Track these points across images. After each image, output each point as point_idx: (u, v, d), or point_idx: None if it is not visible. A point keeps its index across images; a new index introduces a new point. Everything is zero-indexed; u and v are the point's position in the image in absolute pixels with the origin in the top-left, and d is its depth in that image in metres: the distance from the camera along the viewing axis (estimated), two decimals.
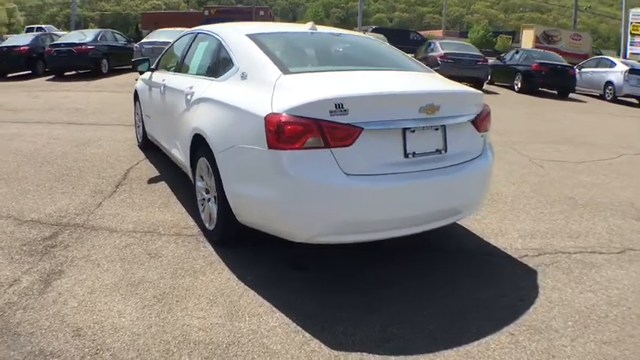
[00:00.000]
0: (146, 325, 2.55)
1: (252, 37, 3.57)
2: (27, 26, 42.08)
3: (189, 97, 3.79)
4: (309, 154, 2.71)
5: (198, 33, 4.50)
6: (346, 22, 74.49)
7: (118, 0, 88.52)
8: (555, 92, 15.91)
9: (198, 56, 4.35)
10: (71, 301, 2.73)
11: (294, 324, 2.60)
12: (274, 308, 2.74)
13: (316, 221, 2.79)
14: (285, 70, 3.10)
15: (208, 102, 3.45)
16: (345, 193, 2.74)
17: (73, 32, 19.17)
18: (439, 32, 47.36)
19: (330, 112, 2.68)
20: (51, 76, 14.84)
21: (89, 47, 15.07)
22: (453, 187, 3.08)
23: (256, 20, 41.86)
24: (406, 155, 2.89)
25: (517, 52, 17.68)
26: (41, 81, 14.05)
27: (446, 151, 3.05)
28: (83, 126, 7.52)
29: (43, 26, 34.26)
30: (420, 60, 6.36)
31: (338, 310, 2.73)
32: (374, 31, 30.40)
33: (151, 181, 4.85)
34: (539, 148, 7.25)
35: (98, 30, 17.69)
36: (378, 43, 4.37)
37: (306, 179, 2.72)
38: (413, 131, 2.90)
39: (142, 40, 16.26)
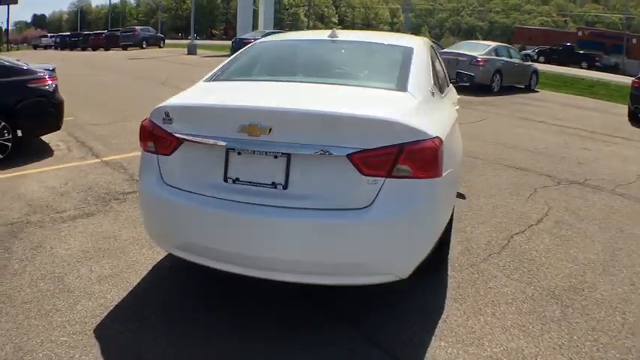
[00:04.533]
0: None
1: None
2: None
3: None
4: (148, 159, 2.70)
5: None
6: None
7: (507, 13, 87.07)
8: None
9: None
10: None
11: None
12: None
13: (155, 230, 2.76)
14: (207, 78, 3.13)
15: None
16: (161, 203, 2.60)
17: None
18: None
19: (163, 119, 2.57)
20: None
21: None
22: (300, 237, 2.30)
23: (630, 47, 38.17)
24: (226, 179, 2.42)
25: None
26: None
27: (285, 188, 2.32)
28: None
29: None
30: None
31: None
32: None
33: None
34: None
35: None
36: (371, 53, 3.46)
37: (141, 183, 2.78)
38: (239, 153, 2.39)
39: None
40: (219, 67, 3.33)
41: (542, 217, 4.29)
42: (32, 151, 5.98)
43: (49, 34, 53.16)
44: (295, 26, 67.95)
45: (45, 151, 6.09)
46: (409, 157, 2.26)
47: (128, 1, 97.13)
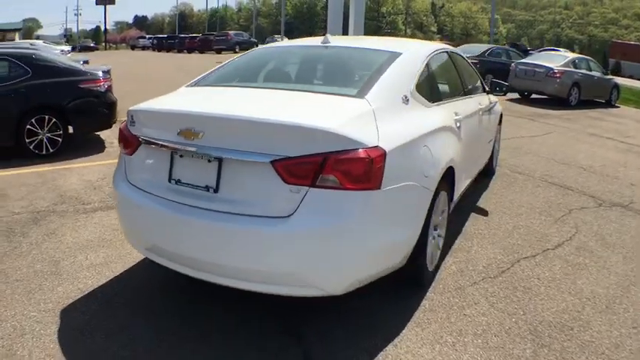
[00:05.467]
0: None
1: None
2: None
3: None
4: (120, 158, 2.85)
5: None
6: None
7: (606, 27, 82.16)
8: None
9: None
10: None
11: None
12: None
13: (123, 229, 2.88)
14: (189, 84, 3.21)
15: None
16: (123, 201, 2.71)
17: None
18: None
19: (129, 122, 2.70)
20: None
21: (473, 61, 13.74)
22: (227, 242, 2.26)
23: None
24: (170, 180, 2.47)
25: None
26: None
27: (216, 191, 2.32)
28: None
29: None
30: None
31: None
32: None
33: None
34: None
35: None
36: (355, 59, 3.31)
37: (113, 181, 2.86)
38: (181, 156, 2.43)
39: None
40: (207, 72, 3.38)
41: (563, 241, 3.85)
42: (87, 146, 6.49)
43: (146, 36, 57.17)
44: (393, 35, 67.29)
45: (98, 147, 6.58)
46: (336, 167, 2.14)
47: (229, 7, 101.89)
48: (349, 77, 3.02)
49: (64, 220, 4.07)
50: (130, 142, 2.69)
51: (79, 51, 51.65)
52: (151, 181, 2.58)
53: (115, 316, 2.70)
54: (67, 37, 70.90)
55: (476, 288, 3.09)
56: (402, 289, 3.00)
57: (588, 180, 5.59)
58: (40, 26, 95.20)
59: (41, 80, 6.05)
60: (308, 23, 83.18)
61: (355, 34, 11.88)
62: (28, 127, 5.93)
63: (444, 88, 3.77)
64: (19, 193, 4.75)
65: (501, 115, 5.76)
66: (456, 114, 3.45)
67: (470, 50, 16.26)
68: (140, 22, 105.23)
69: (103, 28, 71.87)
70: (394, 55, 3.04)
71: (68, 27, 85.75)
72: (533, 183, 5.44)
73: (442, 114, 3.21)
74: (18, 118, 5.90)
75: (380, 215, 2.34)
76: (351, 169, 2.14)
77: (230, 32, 39.66)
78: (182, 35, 47.20)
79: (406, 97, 2.77)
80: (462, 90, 4.08)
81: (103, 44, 66.58)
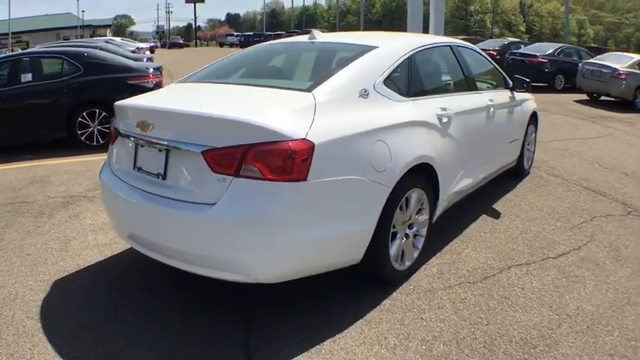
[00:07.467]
0: None
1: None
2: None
3: None
4: (109, 150, 2.96)
5: None
6: None
7: None
8: None
9: None
10: None
11: None
12: None
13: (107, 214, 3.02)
14: (178, 80, 3.32)
15: None
16: (104, 188, 2.83)
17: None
18: None
19: (114, 115, 2.89)
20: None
21: (542, 60, 13.52)
22: (167, 226, 2.37)
23: None
24: (134, 168, 2.63)
25: None
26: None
27: (164, 178, 2.43)
28: None
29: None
30: None
31: None
32: None
33: None
34: None
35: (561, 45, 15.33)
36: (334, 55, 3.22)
37: (100, 171, 2.97)
38: (142, 146, 2.57)
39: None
40: (200, 68, 3.45)
41: (569, 250, 3.42)
42: None
43: (234, 33, 59.15)
44: (482, 33, 64.41)
45: None
46: (258, 158, 2.15)
47: (319, 4, 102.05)
48: (315, 72, 3.01)
49: (90, 205, 4.29)
50: (113, 134, 2.88)
51: (168, 47, 54.85)
52: (124, 169, 2.74)
53: (96, 290, 2.86)
54: (160, 33, 75.25)
55: (448, 292, 2.82)
56: (371, 286, 2.82)
57: (626, 186, 4.94)
58: (132, 23, 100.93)
59: (92, 77, 6.43)
60: (397, 22, 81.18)
61: (435, 33, 11.49)
62: (79, 119, 6.32)
63: (431, 82, 3.51)
64: (60, 180, 5.09)
65: (535, 114, 5.25)
66: (443, 109, 3.15)
67: (539, 49, 15.18)
68: (232, 19, 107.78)
69: (193, 26, 75.61)
70: (367, 49, 2.95)
71: (160, 24, 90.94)
72: (565, 187, 4.91)
73: (419, 109, 2.96)
74: (70, 111, 6.33)
75: (310, 207, 2.25)
76: (272, 160, 2.14)
77: (313, 30, 39.98)
78: (267, 33, 48.47)
79: (366, 91, 2.65)
80: (464, 85, 3.75)
81: (194, 41, 69.95)
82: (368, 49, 2.95)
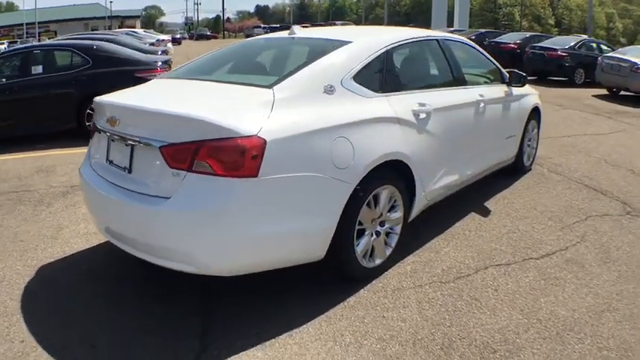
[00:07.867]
0: None
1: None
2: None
3: None
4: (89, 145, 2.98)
5: None
6: None
7: None
8: None
9: None
10: None
11: None
12: None
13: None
14: (160, 76, 3.46)
15: None
16: (82, 182, 2.84)
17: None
18: None
19: (94, 111, 2.92)
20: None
21: (562, 54, 13.23)
22: (131, 218, 2.41)
23: None
24: (106, 161, 2.67)
25: None
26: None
27: (130, 172, 2.47)
28: None
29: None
30: None
31: None
32: None
33: None
34: None
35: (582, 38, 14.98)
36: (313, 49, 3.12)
37: (80, 165, 2.98)
38: (113, 140, 2.62)
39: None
40: (183, 64, 3.46)
41: (555, 250, 3.26)
42: None
43: (262, 25, 59.31)
44: (510, 26, 62.83)
45: None
46: (210, 154, 2.16)
47: None
48: (285, 68, 2.90)
49: None
50: (92, 129, 2.91)
51: (195, 39, 55.30)
52: (99, 163, 2.78)
53: (77, 276, 2.93)
54: (189, 25, 75.89)
55: (417, 291, 2.72)
56: (339, 283, 2.75)
57: (630, 185, 4.70)
58: (162, 14, 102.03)
59: (100, 69, 6.49)
60: (426, 14, 79.31)
61: (460, 27, 11.24)
62: (88, 111, 6.38)
63: (410, 78, 3.39)
64: (65, 170, 5.16)
65: (537, 110, 5.05)
66: (422, 105, 3.03)
67: (560, 43, 14.67)
68: (261, 11, 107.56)
69: (221, 18, 76.10)
70: (339, 45, 2.88)
71: (189, 16, 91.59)
72: (565, 184, 4.71)
73: (392, 105, 2.85)
74: (79, 103, 6.39)
75: (263, 203, 2.22)
76: (222, 156, 2.15)
77: (337, 22, 39.64)
78: (293, 25, 48.50)
79: (331, 87, 2.58)
80: (449, 80, 3.60)
81: (222, 33, 70.39)
82: (340, 44, 2.89)
